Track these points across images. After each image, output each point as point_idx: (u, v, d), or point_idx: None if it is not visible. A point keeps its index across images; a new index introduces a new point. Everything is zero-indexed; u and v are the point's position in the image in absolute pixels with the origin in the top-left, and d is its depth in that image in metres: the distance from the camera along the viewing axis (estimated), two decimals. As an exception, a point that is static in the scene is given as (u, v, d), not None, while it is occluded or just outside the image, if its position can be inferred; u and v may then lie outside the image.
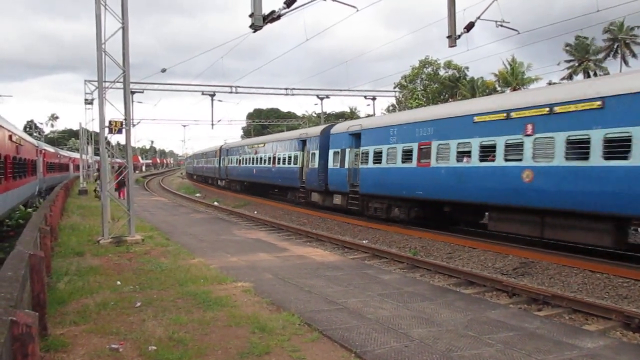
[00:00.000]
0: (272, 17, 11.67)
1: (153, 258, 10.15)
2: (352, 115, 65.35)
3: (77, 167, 47.28)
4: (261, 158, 31.05)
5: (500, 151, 12.79)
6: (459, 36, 13.86)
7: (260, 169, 31.08)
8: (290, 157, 26.00)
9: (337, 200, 21.02)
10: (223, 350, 5.05)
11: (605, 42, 50.58)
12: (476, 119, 13.67)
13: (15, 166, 16.65)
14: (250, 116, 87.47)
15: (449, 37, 13.73)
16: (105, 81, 12.72)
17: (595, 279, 10.17)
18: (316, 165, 22.46)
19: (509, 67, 49.20)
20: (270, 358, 4.87)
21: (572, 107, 11.12)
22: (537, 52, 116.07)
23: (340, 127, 22.00)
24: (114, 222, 13.51)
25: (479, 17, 14.44)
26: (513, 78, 48.03)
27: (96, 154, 50.45)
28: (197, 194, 40.82)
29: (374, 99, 38.95)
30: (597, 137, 10.52)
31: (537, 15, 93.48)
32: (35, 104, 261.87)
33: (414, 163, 15.88)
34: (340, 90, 37.90)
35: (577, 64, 51.38)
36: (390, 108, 55.86)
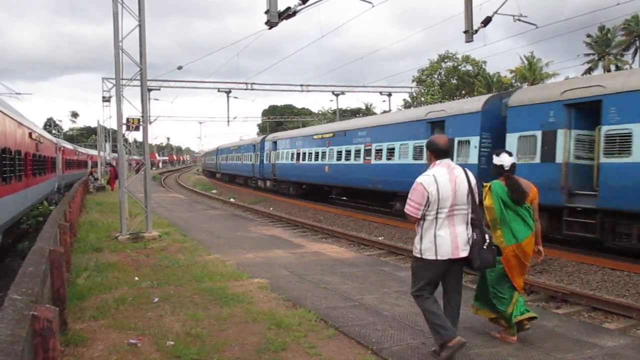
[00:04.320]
0: (288, 13, 11.69)
1: (170, 254, 10.24)
2: (368, 111, 65.13)
3: (95, 164, 47.82)
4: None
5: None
6: (476, 31, 13.74)
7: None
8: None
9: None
10: (240, 346, 5.07)
11: (623, 37, 49.69)
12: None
13: (35, 163, 16.91)
14: (265, 113, 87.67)
15: (465, 32, 13.63)
16: (122, 79, 12.84)
17: (615, 277, 10.02)
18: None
19: (526, 62, 48.58)
20: (287, 354, 4.88)
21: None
22: (552, 48, 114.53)
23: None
24: (132, 219, 13.66)
25: (496, 12, 14.30)
26: (530, 74, 47.42)
27: (114, 151, 51.04)
28: (213, 191, 41.09)
29: (389, 95, 38.85)
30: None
31: (550, 11, 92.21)
32: (57, 103, 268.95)
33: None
34: (356, 86, 37.89)
35: (597, 58, 50.52)
36: (407, 104, 55.55)
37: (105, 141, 46.75)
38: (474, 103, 15.57)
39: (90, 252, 10.38)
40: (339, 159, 22.91)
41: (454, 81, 53.05)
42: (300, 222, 19.10)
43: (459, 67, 52.99)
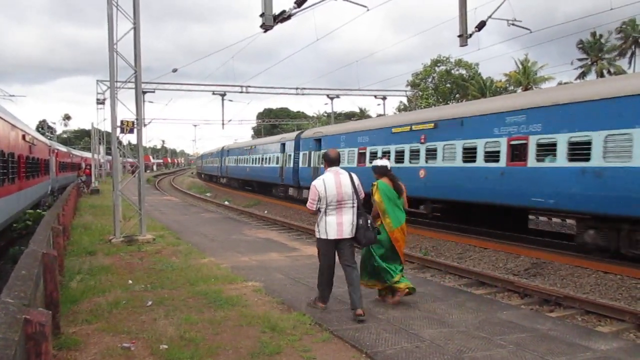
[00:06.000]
0: (283, 16, 11.68)
1: (164, 257, 10.20)
2: (362, 115, 65.20)
3: (87, 166, 47.61)
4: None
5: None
6: (470, 35, 13.79)
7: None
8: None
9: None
10: (234, 349, 5.05)
11: (618, 41, 50.04)
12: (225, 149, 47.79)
13: (28, 165, 16.82)
14: (260, 116, 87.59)
15: (460, 36, 13.67)
16: (117, 81, 12.81)
17: (609, 280, 10.07)
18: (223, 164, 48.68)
19: (520, 66, 48.77)
20: (281, 358, 4.87)
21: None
22: (546, 52, 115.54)
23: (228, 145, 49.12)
24: (126, 222, 13.60)
25: (490, 16, 14.37)
26: (525, 78, 47.62)
27: (108, 153, 50.88)
28: (208, 194, 41.04)
29: (384, 98, 38.83)
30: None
31: (543, 16, 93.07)
32: (52, 105, 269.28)
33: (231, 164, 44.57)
34: (351, 89, 37.84)
35: (590, 63, 50.83)
36: (402, 107, 55.67)
37: (100, 144, 46.58)
38: (292, 135, 29.54)
39: (83, 255, 10.33)
40: (253, 163, 36.21)
41: (448, 85, 53.19)
42: (295, 226, 19.08)
43: (452, 70, 53.14)
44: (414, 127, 16.92)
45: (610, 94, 10.75)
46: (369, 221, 6.17)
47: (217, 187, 48.19)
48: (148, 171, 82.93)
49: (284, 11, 11.73)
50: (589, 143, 10.91)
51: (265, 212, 25.18)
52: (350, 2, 13.68)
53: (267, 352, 4.96)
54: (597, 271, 10.56)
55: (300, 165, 26.28)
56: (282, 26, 12.13)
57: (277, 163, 30.11)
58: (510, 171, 12.91)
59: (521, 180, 12.53)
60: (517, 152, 12.84)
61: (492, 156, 13.52)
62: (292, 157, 27.44)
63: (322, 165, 22.07)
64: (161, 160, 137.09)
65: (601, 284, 9.96)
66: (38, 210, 18.21)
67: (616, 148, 10.43)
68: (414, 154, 16.68)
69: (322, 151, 22.21)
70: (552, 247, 12.70)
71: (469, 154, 14.29)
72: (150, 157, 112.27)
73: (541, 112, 12.18)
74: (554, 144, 11.73)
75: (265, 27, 11.81)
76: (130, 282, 7.95)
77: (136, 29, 12.32)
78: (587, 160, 10.94)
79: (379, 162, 6.95)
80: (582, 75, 50.25)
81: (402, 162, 17.01)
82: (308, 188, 21.79)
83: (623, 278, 10.02)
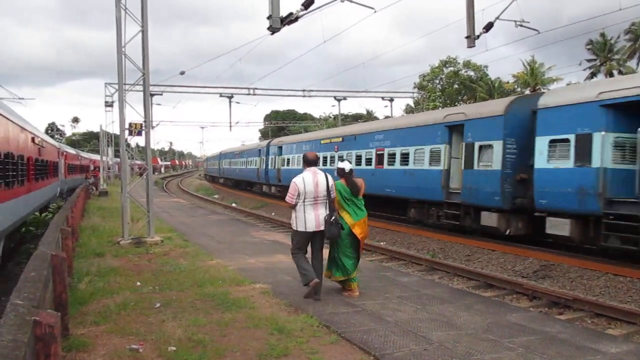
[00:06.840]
0: (290, 19, 11.67)
1: (172, 259, 10.23)
2: (369, 117, 65.15)
3: (96, 168, 47.89)
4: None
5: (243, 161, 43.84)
6: (478, 37, 13.72)
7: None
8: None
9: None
10: (242, 351, 5.05)
11: (627, 42, 49.54)
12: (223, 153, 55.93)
13: (37, 168, 16.93)
14: (267, 118, 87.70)
15: (467, 37, 13.60)
16: (125, 84, 12.87)
17: (618, 282, 9.99)
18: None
19: (527, 67, 48.49)
20: (289, 360, 4.86)
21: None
22: (553, 54, 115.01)
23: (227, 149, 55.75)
24: (134, 223, 13.65)
25: (498, 17, 14.30)
26: (532, 79, 47.35)
27: (116, 155, 51.17)
28: (215, 196, 41.16)
29: (391, 100, 38.76)
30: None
31: (548, 17, 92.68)
32: (61, 108, 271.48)
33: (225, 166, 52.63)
34: (358, 91, 37.88)
35: (599, 64, 50.38)
36: (408, 109, 55.53)
37: (108, 146, 46.87)
38: (262, 143, 37.65)
39: (92, 257, 10.38)
40: (242, 165, 43.11)
41: (456, 86, 52.96)
42: (302, 227, 19.11)
43: (460, 72, 52.92)
44: (332, 140, 23.97)
45: (417, 124, 17.39)
46: (333, 218, 6.92)
47: (224, 189, 48.44)
48: (156, 173, 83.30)
49: (291, 13, 11.72)
50: (408, 154, 17.25)
51: (273, 214, 25.19)
52: (358, 3, 13.67)
53: (274, 354, 4.96)
54: (607, 273, 10.47)
55: (269, 167, 33.18)
56: (289, 28, 12.12)
57: (255, 165, 37.37)
58: (376, 172, 19.25)
59: (381, 178, 18.64)
60: (380, 159, 19.07)
61: (368, 161, 20.07)
62: (265, 160, 34.52)
63: (283, 167, 30.67)
64: (169, 163, 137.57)
65: (611, 286, 9.88)
66: (43, 213, 18.24)
67: (419, 157, 16.74)
68: (332, 160, 23.26)
69: (283, 156, 30.71)
70: (561, 249, 12.60)
71: (358, 160, 20.70)
72: (158, 160, 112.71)
73: (390, 133, 18.83)
74: (395, 154, 18.12)
75: (273, 30, 11.81)
76: (138, 283, 7.98)
77: (144, 32, 12.39)
78: (407, 164, 17.26)
79: (339, 165, 7.59)
80: (592, 76, 49.80)
81: (326, 165, 23.29)
82: (275, 185, 33.71)
83: (633, 280, 9.93)
